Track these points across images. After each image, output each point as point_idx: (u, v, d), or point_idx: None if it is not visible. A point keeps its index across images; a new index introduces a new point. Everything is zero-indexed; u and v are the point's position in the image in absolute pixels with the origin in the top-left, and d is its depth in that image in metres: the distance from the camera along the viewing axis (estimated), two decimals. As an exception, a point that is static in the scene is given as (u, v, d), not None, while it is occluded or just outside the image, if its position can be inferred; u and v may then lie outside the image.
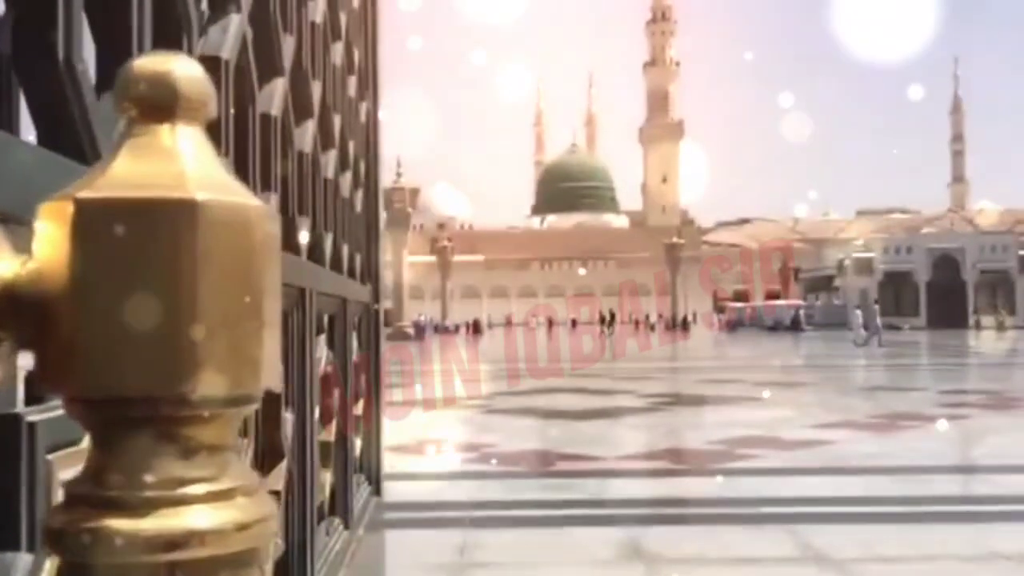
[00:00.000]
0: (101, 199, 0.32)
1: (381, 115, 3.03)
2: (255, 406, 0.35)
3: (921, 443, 7.87)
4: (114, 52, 0.75)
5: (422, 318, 50.22)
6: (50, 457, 0.63)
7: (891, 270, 57.10)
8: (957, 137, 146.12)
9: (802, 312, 52.35)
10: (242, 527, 0.33)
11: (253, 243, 0.34)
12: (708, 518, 5.06)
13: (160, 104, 0.35)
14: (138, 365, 0.32)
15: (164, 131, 0.34)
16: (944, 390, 12.94)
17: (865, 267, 57.76)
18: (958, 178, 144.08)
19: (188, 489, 0.33)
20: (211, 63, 1.05)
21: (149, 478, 0.32)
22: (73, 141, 0.67)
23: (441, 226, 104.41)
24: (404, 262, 42.46)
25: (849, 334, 34.18)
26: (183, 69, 0.36)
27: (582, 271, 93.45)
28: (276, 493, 1.35)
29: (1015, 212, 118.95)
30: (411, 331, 40.16)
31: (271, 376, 0.35)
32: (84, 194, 0.32)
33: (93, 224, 0.32)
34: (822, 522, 4.83)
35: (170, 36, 0.91)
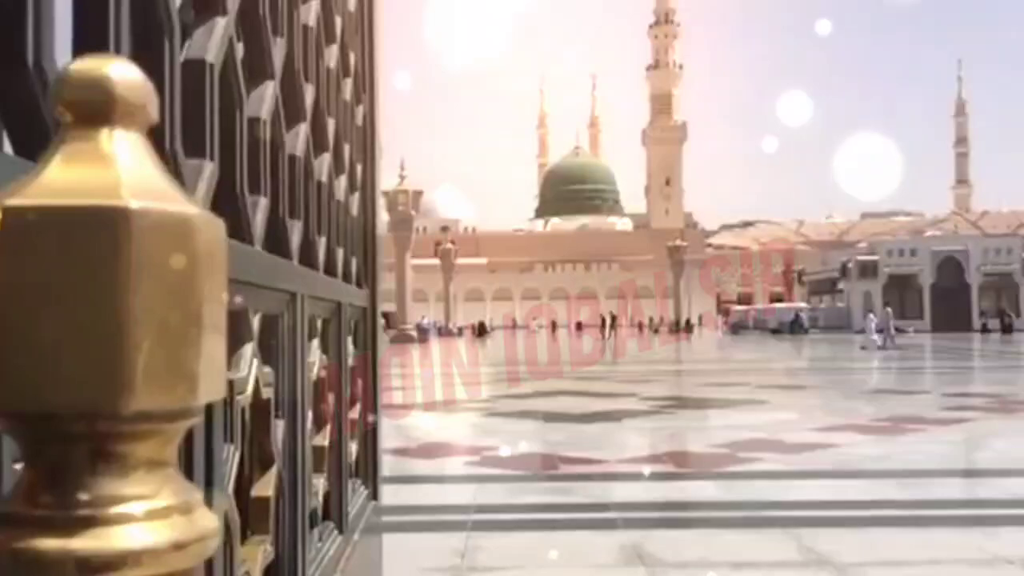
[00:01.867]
0: (30, 207, 0.31)
1: (383, 118, 3.02)
2: (195, 421, 0.34)
3: (925, 446, 7.84)
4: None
5: (425, 321, 50.19)
6: (17, 467, 0.62)
7: (895, 273, 56.97)
8: (961, 140, 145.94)
9: (804, 315, 52.29)
10: (179, 546, 0.31)
11: (192, 252, 0.33)
12: (710, 521, 5.05)
13: (95, 108, 0.33)
14: (69, 379, 0.31)
15: (99, 136, 0.33)
16: (949, 393, 12.90)
17: (869, 270, 57.61)
18: (962, 180, 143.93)
19: (123, 507, 0.31)
20: (196, 67, 1.04)
21: (82, 496, 0.31)
22: (45, 148, 0.66)
23: (444, 229, 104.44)
24: (407, 265, 42.40)
25: (855, 337, 34.13)
26: (120, 72, 0.34)
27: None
28: (265, 499, 1.34)
29: (1020, 214, 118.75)
30: (414, 334, 40.12)
31: (212, 390, 0.34)
32: (12, 201, 0.31)
33: (21, 233, 0.31)
34: (825, 526, 4.81)
35: (151, 40, 0.90)
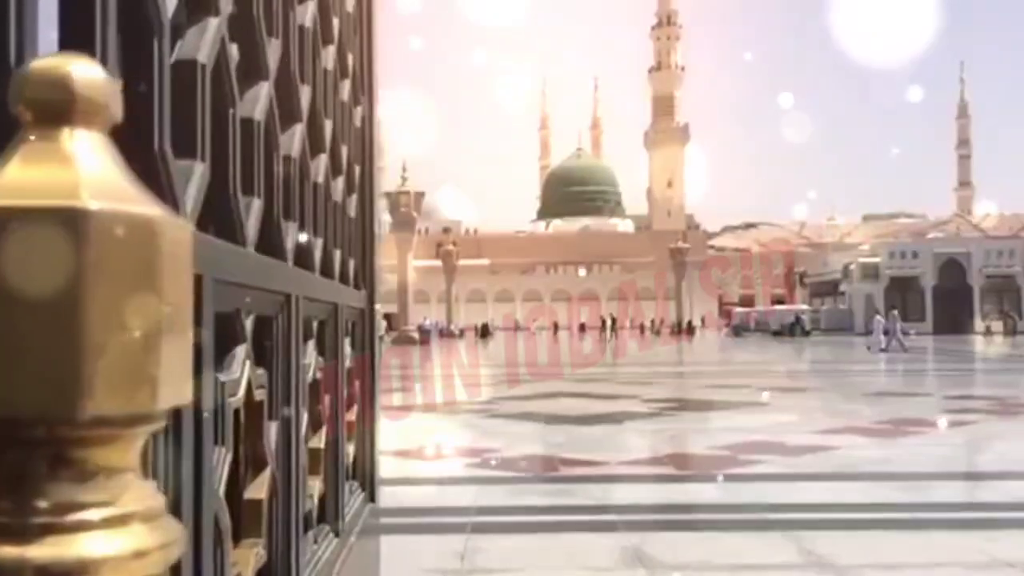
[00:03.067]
0: (-14, 208, 0.30)
1: (387, 119, 3.02)
2: (157, 426, 0.33)
3: (926, 449, 7.83)
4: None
5: (427, 322, 50.13)
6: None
7: (897, 275, 56.92)
8: (963, 142, 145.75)
9: (805, 317, 52.32)
10: (140, 554, 0.31)
11: (154, 254, 0.32)
12: (711, 524, 5.04)
13: (55, 108, 0.32)
14: (26, 383, 0.30)
15: (60, 136, 0.32)
16: (950, 395, 12.88)
17: (871, 272, 57.55)
18: (964, 183, 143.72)
19: (82, 514, 0.30)
20: (187, 67, 1.03)
21: (41, 503, 0.30)
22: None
23: (446, 230, 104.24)
24: (409, 266, 42.35)
25: (857, 339, 34.11)
26: (81, 71, 0.33)
27: (583, 272, 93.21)
28: (258, 501, 1.34)
29: (1022, 217, 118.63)
30: (416, 335, 40.00)
31: (175, 394, 0.33)
32: (-32, 203, 0.30)
33: (-24, 234, 0.30)
34: (825, 528, 4.80)
35: (140, 40, 0.89)
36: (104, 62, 0.77)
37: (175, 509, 0.91)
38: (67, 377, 0.30)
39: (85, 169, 0.32)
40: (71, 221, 0.30)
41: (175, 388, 0.33)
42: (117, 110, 0.35)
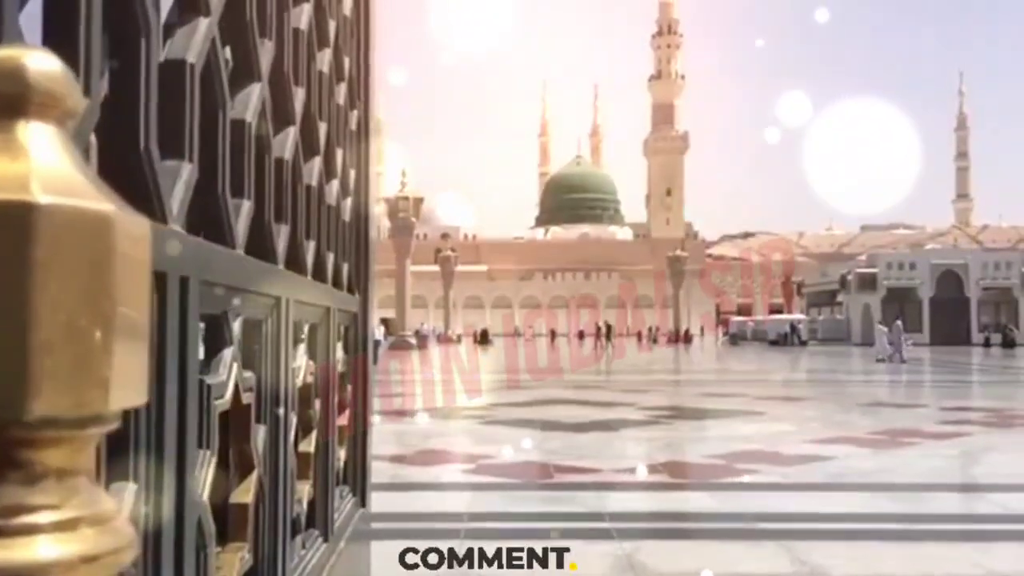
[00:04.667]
0: (-67, 201, 0.30)
1: (381, 124, 3.02)
2: (109, 428, 0.32)
3: (921, 460, 7.81)
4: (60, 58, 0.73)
5: (424, 327, 50.07)
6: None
7: (894, 286, 56.88)
8: (962, 154, 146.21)
9: (801, 326, 52.34)
10: (89, 559, 0.30)
11: (108, 251, 0.31)
12: (704, 533, 5.02)
13: (9, 100, 0.32)
14: (-30, 383, 0.29)
15: (13, 129, 0.32)
16: (947, 407, 12.86)
17: (868, 282, 57.51)
18: (962, 194, 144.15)
19: (30, 518, 0.30)
20: (176, 67, 1.03)
21: (-14, 505, 0.30)
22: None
23: (445, 236, 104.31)
24: (407, 271, 42.32)
25: (854, 349, 34.12)
26: (37, 63, 0.33)
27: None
28: (244, 505, 1.33)
29: (1020, 229, 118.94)
30: (413, 340, 39.96)
31: (128, 396, 0.32)
32: (-86, 196, 0.30)
33: (-80, 229, 0.29)
34: (819, 539, 4.78)
35: (126, 39, 0.89)
36: (88, 61, 0.76)
37: (156, 513, 0.90)
38: (14, 377, 0.30)
39: (37, 162, 0.31)
40: (20, 215, 0.30)
41: (129, 389, 0.32)
42: (75, 103, 0.34)
